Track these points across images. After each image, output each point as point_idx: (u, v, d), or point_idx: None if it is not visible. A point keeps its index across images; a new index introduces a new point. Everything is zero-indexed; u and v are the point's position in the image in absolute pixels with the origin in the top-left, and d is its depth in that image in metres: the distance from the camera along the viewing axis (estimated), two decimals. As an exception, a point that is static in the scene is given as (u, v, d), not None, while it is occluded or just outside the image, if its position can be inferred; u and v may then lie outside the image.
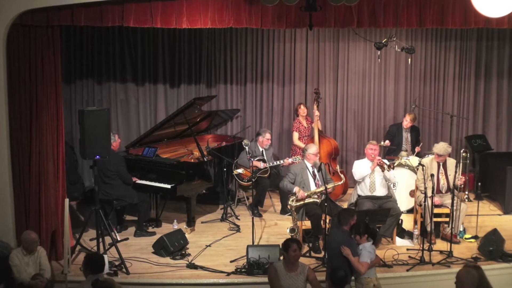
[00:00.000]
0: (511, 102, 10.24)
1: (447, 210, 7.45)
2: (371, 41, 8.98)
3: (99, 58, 9.32)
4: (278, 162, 8.75)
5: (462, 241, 7.57)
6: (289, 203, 7.40)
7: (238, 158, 8.80)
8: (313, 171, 7.52)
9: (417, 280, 6.61)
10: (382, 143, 8.92)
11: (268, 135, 8.79)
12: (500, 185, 8.82)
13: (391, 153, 9.20)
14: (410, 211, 8.43)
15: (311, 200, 7.28)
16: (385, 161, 7.62)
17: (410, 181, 8.32)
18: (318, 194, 7.33)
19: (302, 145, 9.03)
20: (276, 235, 7.79)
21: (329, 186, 7.33)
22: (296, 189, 7.36)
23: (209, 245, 7.46)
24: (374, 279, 5.80)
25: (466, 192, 9.10)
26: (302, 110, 9.16)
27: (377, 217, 7.10)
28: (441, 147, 7.58)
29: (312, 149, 7.65)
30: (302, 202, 7.29)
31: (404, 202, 8.41)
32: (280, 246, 5.65)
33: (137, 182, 7.93)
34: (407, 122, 9.21)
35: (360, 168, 7.55)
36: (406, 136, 9.30)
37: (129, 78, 9.46)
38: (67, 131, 8.50)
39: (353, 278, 5.78)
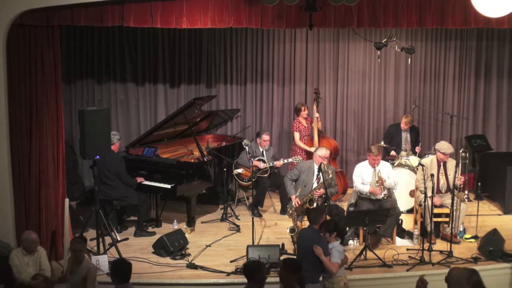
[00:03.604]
0: (511, 102, 10.24)
1: (447, 210, 7.45)
2: (371, 41, 8.97)
3: (99, 58, 9.30)
4: (273, 163, 8.74)
5: (462, 241, 7.57)
6: (288, 211, 7.56)
7: (238, 158, 8.80)
8: (318, 173, 7.52)
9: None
10: (382, 143, 8.91)
11: (265, 137, 8.75)
12: (500, 185, 8.82)
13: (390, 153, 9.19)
14: (410, 211, 8.44)
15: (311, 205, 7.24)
16: (384, 177, 7.44)
17: (410, 181, 8.31)
18: (316, 195, 7.33)
19: (303, 145, 9.04)
20: (276, 235, 7.79)
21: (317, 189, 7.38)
22: (292, 197, 7.49)
23: (209, 245, 7.46)
24: (344, 277, 5.89)
25: (466, 192, 9.10)
26: (304, 114, 9.13)
27: (377, 217, 7.10)
28: (446, 145, 7.55)
29: (321, 151, 7.65)
30: (300, 211, 7.33)
31: (404, 202, 8.41)
32: None
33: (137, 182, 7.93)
34: (403, 125, 9.21)
35: (360, 185, 7.47)
36: (406, 136, 9.29)
37: (129, 78, 9.45)
38: (67, 131, 8.49)
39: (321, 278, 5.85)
